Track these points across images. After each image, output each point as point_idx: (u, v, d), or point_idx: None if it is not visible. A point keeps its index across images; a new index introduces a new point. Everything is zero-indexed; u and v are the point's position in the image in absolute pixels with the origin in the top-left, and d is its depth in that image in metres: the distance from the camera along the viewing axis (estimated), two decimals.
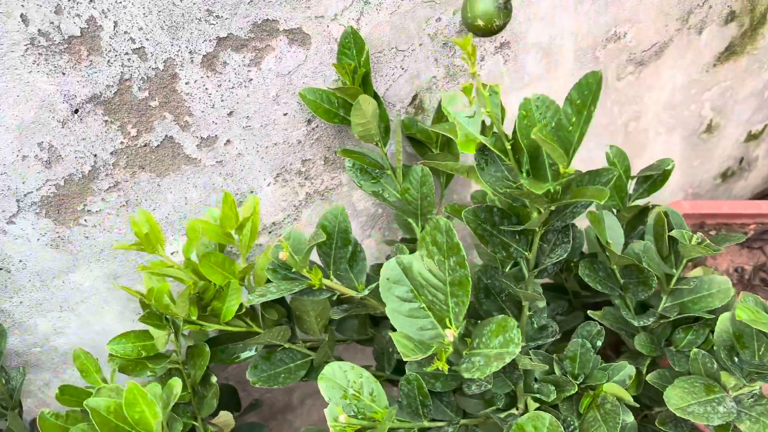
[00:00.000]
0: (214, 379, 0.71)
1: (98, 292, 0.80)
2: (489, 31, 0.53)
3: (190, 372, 0.71)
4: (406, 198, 0.80)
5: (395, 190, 0.82)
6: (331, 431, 0.58)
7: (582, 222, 1.18)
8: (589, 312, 0.77)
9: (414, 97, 0.85)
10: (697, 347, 0.72)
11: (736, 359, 0.66)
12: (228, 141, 0.75)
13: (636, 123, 1.15)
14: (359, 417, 0.61)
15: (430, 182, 0.78)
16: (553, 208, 0.55)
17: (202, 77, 0.69)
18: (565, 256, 0.59)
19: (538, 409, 0.69)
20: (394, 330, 0.81)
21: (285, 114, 0.77)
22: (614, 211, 0.89)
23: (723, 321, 0.68)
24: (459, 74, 0.87)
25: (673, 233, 0.75)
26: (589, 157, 1.15)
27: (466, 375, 0.54)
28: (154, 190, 0.75)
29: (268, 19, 0.69)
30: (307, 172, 0.84)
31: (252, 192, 0.82)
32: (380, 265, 0.87)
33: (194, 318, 0.67)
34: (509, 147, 0.55)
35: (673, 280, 0.76)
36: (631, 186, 0.90)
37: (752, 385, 0.69)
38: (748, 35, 1.14)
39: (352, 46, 0.73)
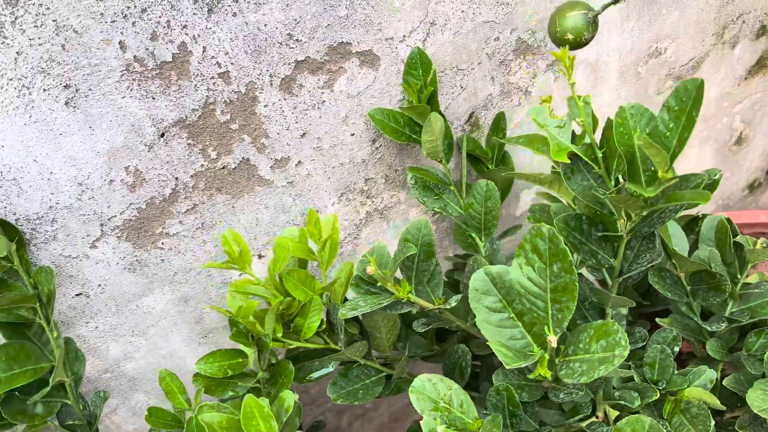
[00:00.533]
0: (295, 397, 0.71)
1: (168, 315, 0.81)
2: (578, 44, 0.55)
3: (270, 390, 0.71)
4: (470, 213, 0.81)
5: (458, 205, 0.84)
6: None
7: None
8: (657, 319, 0.78)
9: (471, 115, 0.87)
10: None
11: None
12: (299, 162, 0.77)
13: None
14: (452, 428, 0.61)
15: (495, 196, 0.79)
16: (645, 213, 0.57)
17: (279, 100, 0.71)
18: (658, 260, 0.60)
19: (618, 417, 0.70)
20: (463, 343, 0.82)
21: (352, 134, 0.79)
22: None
23: None
24: (513, 92, 0.89)
25: (738, 239, 0.76)
26: None
27: (567, 380, 0.55)
28: (229, 211, 0.76)
29: (342, 42, 0.71)
30: (368, 191, 0.86)
31: (318, 212, 0.83)
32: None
33: (279, 335, 0.67)
34: (600, 155, 0.56)
35: (739, 285, 0.78)
36: None
37: None
38: None
39: (418, 66, 0.75)
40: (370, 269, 0.63)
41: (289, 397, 0.60)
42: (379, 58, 0.74)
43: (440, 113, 0.78)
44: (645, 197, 0.54)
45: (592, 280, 0.84)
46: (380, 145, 0.82)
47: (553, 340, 0.54)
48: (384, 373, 0.77)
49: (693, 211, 1.04)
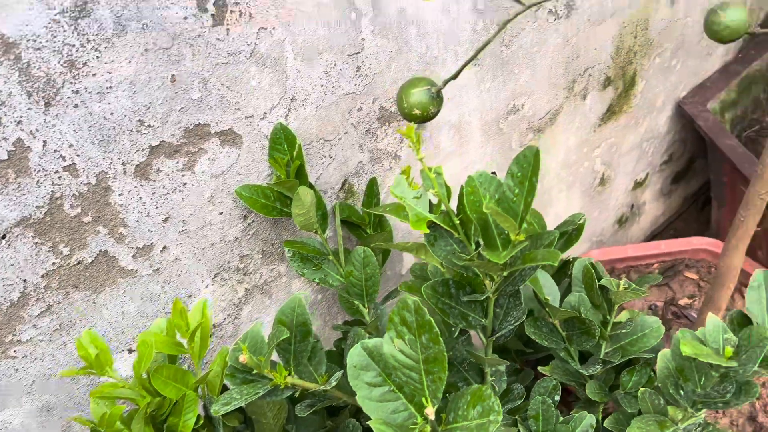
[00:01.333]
0: None
1: (30, 429, 0.73)
2: (425, 118, 0.57)
3: None
4: (351, 281, 0.81)
5: (338, 274, 0.83)
6: None
7: None
8: (539, 368, 0.80)
9: (343, 183, 0.88)
10: (643, 386, 0.77)
11: (681, 392, 0.71)
12: (164, 247, 0.73)
13: (540, 184, 1.24)
14: None
15: (373, 262, 0.79)
16: (505, 274, 0.58)
17: (135, 187, 0.68)
18: (523, 317, 0.61)
19: None
20: (354, 417, 0.80)
21: (221, 213, 0.76)
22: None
23: (663, 358, 0.73)
24: (383, 158, 0.91)
25: (603, 282, 0.80)
26: None
27: None
28: (89, 308, 0.71)
29: (199, 123, 0.69)
30: (245, 268, 0.83)
31: (190, 296, 0.79)
32: (330, 352, 0.86)
33: None
34: (458, 222, 0.58)
35: (609, 327, 0.82)
36: None
37: (698, 414, 0.74)
38: (623, 96, 1.28)
39: (283, 141, 0.75)
40: (243, 358, 0.60)
41: None
42: (241, 136, 0.73)
43: (310, 185, 0.78)
44: (502, 263, 0.56)
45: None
46: (253, 221, 0.80)
47: (430, 412, 0.54)
48: None
49: (566, 254, 1.09)
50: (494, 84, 0.99)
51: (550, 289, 0.83)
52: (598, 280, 0.81)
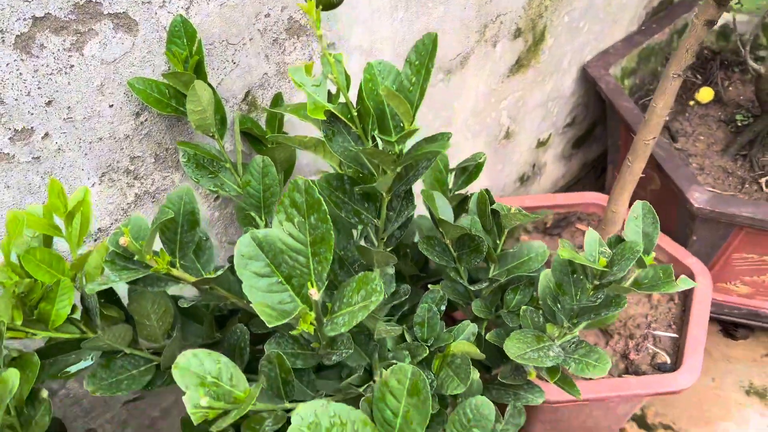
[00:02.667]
0: (45, 393, 0.63)
1: None
2: (331, 4, 0.56)
3: (16, 393, 0.62)
4: (248, 191, 0.79)
5: (235, 183, 0.81)
6: (193, 418, 0.55)
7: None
8: (429, 286, 0.82)
9: (247, 94, 0.86)
10: (525, 305, 0.80)
11: (559, 305, 0.75)
12: (46, 134, 0.69)
13: (448, 128, 1.26)
14: (220, 401, 0.58)
15: (272, 173, 0.78)
16: (399, 169, 0.59)
17: (15, 60, 0.63)
18: (413, 212, 0.62)
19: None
20: (245, 326, 0.79)
21: (111, 106, 0.73)
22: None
23: (545, 276, 0.77)
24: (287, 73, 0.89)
25: (495, 206, 0.83)
26: None
27: (331, 333, 0.55)
28: None
29: (90, 1, 0.65)
30: (136, 171, 0.80)
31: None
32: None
33: (19, 323, 0.59)
34: (356, 113, 0.58)
35: (498, 249, 0.85)
36: (450, 180, 0.98)
37: (573, 332, 0.79)
38: (532, 50, 1.32)
39: (182, 34, 0.72)
40: (124, 240, 0.58)
41: (13, 376, 0.53)
42: (137, 22, 0.70)
43: (209, 85, 0.75)
44: (395, 152, 0.56)
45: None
46: (146, 120, 0.77)
47: (314, 293, 0.54)
48: (155, 362, 0.72)
49: (465, 190, 1.10)
50: (407, 15, 1.00)
51: (445, 210, 0.85)
52: (491, 204, 0.84)
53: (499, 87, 1.31)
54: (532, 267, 0.83)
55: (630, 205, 1.01)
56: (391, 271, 0.72)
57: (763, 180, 1.36)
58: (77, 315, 0.65)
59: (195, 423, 0.55)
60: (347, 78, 0.57)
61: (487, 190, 0.87)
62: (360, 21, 0.94)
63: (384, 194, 0.63)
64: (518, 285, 0.83)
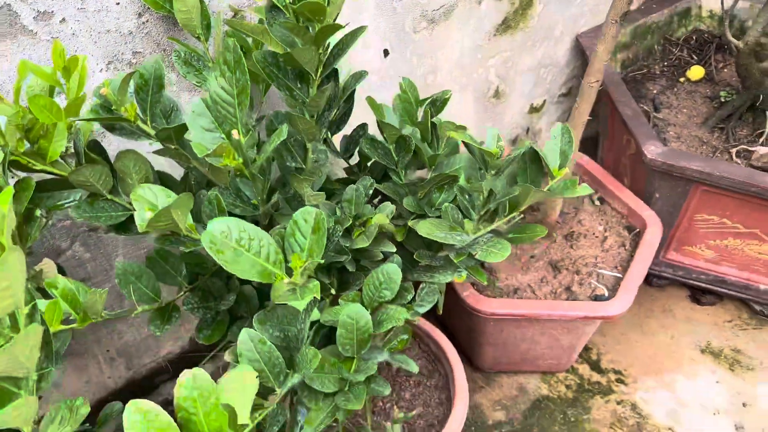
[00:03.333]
0: (38, 212, 0.80)
1: None
2: None
3: (15, 208, 0.80)
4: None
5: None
6: (139, 228, 0.71)
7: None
8: (375, 184, 0.96)
9: (235, 15, 1.02)
10: (448, 203, 0.93)
11: (467, 197, 0.87)
12: (63, 19, 0.87)
13: (433, 77, 1.39)
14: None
15: (243, 65, 0.94)
16: (321, 51, 0.74)
17: None
18: (330, 93, 0.77)
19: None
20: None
21: (117, 3, 0.90)
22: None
23: (460, 174, 0.90)
24: None
25: (434, 120, 0.96)
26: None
27: (255, 167, 0.70)
28: None
29: None
30: (137, 64, 0.97)
31: None
32: None
33: (21, 150, 0.77)
34: (289, 2, 0.72)
35: (436, 160, 0.98)
36: (420, 114, 1.12)
37: (486, 227, 0.91)
38: (520, 13, 1.44)
39: None
40: (104, 90, 0.75)
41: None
42: None
43: None
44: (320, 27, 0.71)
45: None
46: (147, 20, 0.94)
47: (236, 133, 0.69)
48: (130, 212, 0.88)
49: None
50: None
51: (390, 120, 0.99)
52: (431, 118, 0.97)
53: (485, 44, 1.43)
54: (460, 174, 0.95)
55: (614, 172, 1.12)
56: (321, 146, 0.86)
57: (734, 150, 1.43)
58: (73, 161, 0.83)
59: (140, 230, 0.71)
60: None
61: (430, 108, 1.00)
62: None
63: (313, 75, 0.77)
64: (443, 184, 0.96)
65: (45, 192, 0.85)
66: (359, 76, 0.92)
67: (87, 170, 0.80)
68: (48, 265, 0.88)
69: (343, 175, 1.16)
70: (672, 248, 1.48)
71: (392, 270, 0.84)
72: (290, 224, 0.73)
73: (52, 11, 0.85)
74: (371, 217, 0.85)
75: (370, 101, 0.93)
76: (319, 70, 0.77)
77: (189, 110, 0.76)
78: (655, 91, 1.62)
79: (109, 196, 0.86)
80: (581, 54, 1.66)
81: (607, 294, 1.22)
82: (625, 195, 1.37)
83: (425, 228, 0.86)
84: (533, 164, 0.92)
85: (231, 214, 0.80)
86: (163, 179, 0.95)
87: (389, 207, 0.87)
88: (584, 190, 0.87)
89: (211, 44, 0.99)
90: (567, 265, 1.29)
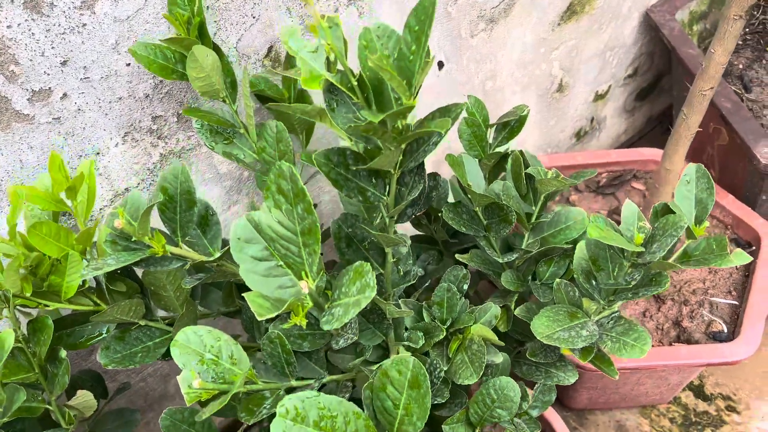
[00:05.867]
0: (63, 353, 0.64)
1: None
2: None
3: (34, 350, 0.63)
4: (264, 158, 0.76)
5: (251, 150, 0.78)
6: (186, 399, 0.54)
7: (448, 173, 1.20)
8: (456, 256, 0.77)
9: (270, 49, 0.82)
10: (560, 278, 0.75)
11: (594, 282, 0.69)
12: (64, 95, 0.68)
13: (492, 82, 1.19)
14: (218, 382, 0.57)
15: (286, 138, 0.74)
16: (404, 146, 0.54)
17: (26, 20, 0.61)
18: (417, 194, 0.58)
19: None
20: None
21: (128, 64, 0.71)
22: (477, 160, 0.90)
23: (580, 249, 0.71)
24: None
25: (530, 170, 0.77)
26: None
27: (325, 327, 0.52)
28: None
29: None
30: (159, 131, 0.78)
31: (98, 153, 0.74)
32: None
33: (28, 294, 0.59)
34: (356, 83, 0.53)
35: (533, 217, 0.79)
36: (490, 135, 0.92)
37: (612, 307, 0.73)
38: None
39: None
40: (118, 222, 0.56)
41: (9, 336, 0.53)
42: None
43: (216, 47, 0.72)
44: (398, 128, 0.51)
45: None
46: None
47: (304, 285, 0.51)
48: (170, 334, 0.71)
49: (505, 147, 1.03)
50: None
51: (475, 176, 0.80)
52: (525, 167, 0.77)
53: (548, 36, 1.21)
54: (569, 236, 0.77)
55: (695, 162, 0.91)
56: (404, 249, 0.68)
57: None
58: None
59: (188, 403, 0.54)
60: (345, 44, 0.52)
61: (521, 152, 0.80)
62: None
63: (392, 171, 0.58)
64: (552, 256, 0.77)
65: (64, 328, 0.68)
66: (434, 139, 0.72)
67: (113, 311, 0.62)
68: (84, 398, 0.71)
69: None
70: None
71: (508, 386, 0.66)
72: (379, 376, 0.55)
73: (50, 88, 0.67)
74: (470, 326, 0.67)
75: (451, 160, 0.74)
76: (399, 164, 0.58)
77: (232, 227, 0.58)
78: (741, 66, 1.39)
79: (142, 323, 0.69)
80: (650, 29, 1.43)
81: (725, 330, 1.04)
82: (728, 202, 1.17)
83: (543, 327, 0.68)
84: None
85: (297, 352, 0.63)
86: (205, 285, 0.77)
87: (492, 309, 0.68)
88: (740, 258, 0.68)
89: (239, 104, 0.80)
90: (671, 293, 1.10)
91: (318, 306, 0.56)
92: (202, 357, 0.57)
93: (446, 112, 0.56)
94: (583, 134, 1.57)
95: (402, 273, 0.68)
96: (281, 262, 0.55)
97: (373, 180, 0.59)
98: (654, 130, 1.81)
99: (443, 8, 0.98)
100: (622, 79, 1.52)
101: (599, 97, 1.50)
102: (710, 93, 0.93)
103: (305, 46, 0.53)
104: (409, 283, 0.67)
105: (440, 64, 1.06)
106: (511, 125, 0.90)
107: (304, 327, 0.52)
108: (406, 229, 1.15)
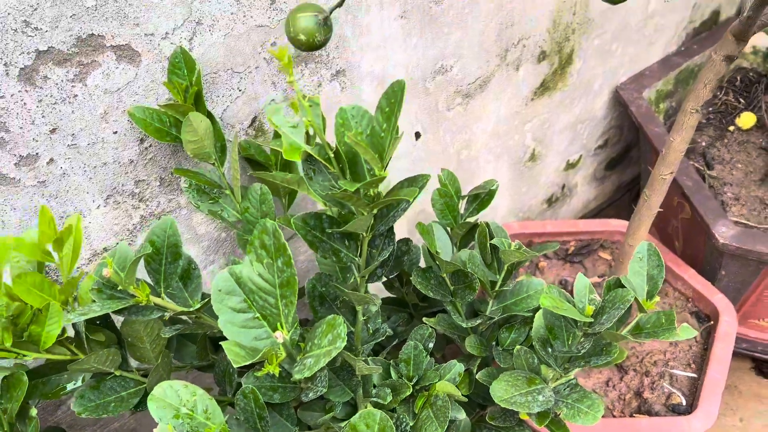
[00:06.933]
0: (33, 411, 0.65)
1: None
2: (311, 45, 0.56)
3: (6, 406, 0.65)
4: (247, 218, 0.80)
5: (235, 210, 0.82)
6: None
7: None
8: (424, 319, 0.81)
9: (254, 119, 0.87)
10: (520, 344, 0.79)
11: (549, 350, 0.73)
12: (51, 160, 0.72)
13: (467, 151, 1.25)
14: None
15: (269, 200, 0.79)
16: (375, 211, 0.59)
17: (19, 91, 0.66)
18: (386, 256, 0.62)
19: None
20: None
21: (115, 132, 0.75)
22: (448, 229, 0.95)
23: (538, 317, 0.75)
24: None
25: (494, 241, 0.82)
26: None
27: (297, 376, 0.55)
28: None
29: (93, 34, 0.67)
30: (141, 194, 0.82)
31: (81, 214, 0.78)
32: None
33: (8, 345, 0.62)
34: (332, 155, 0.58)
35: (497, 285, 0.83)
36: (462, 206, 0.97)
37: (568, 375, 0.76)
38: (558, 73, 1.29)
39: (182, 65, 0.74)
40: (107, 271, 0.60)
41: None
42: (140, 53, 0.72)
43: (209, 114, 0.77)
44: (370, 196, 0.56)
45: None
46: (150, 145, 0.79)
47: (279, 335, 0.54)
48: (143, 385, 0.73)
49: (475, 218, 1.08)
50: (422, 41, 0.99)
51: (444, 243, 0.84)
52: (490, 239, 0.82)
53: (522, 110, 1.28)
54: (530, 305, 0.81)
55: (661, 233, 0.97)
56: (374, 308, 0.72)
57: None
58: (72, 336, 0.68)
59: None
60: (323, 121, 0.57)
61: (487, 223, 0.85)
62: (372, 47, 0.94)
63: (364, 233, 0.62)
64: (514, 323, 0.81)
65: (40, 377, 0.70)
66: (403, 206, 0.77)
67: (90, 359, 0.65)
68: None
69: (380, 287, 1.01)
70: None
71: None
72: (348, 431, 0.58)
73: (37, 153, 0.70)
74: (435, 382, 0.71)
75: (421, 228, 0.79)
76: (371, 227, 0.62)
77: (212, 281, 0.61)
78: (704, 144, 1.48)
79: (117, 373, 0.71)
80: (619, 105, 1.52)
81: (684, 402, 1.07)
82: (690, 275, 1.22)
83: (502, 391, 0.71)
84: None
85: (268, 405, 0.66)
86: (181, 333, 0.80)
87: (456, 367, 0.72)
88: (686, 332, 0.73)
89: (227, 168, 0.84)
90: (634, 363, 1.14)
91: (291, 357, 0.60)
92: (177, 411, 0.59)
93: (414, 182, 0.61)
94: (554, 200, 1.64)
95: (371, 331, 0.72)
96: (258, 314, 0.59)
97: (346, 242, 0.63)
98: (623, 197, 1.88)
99: (422, 84, 1.05)
100: (593, 150, 1.60)
101: (570, 165, 1.57)
102: (670, 177, 0.99)
103: (287, 122, 0.58)
104: (378, 341, 0.71)
105: (417, 135, 1.12)
106: (482, 197, 0.95)
107: (277, 375, 0.55)
108: (379, 290, 1.19)
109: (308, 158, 0.60)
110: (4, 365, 0.66)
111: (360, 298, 0.64)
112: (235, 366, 0.53)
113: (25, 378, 0.64)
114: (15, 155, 0.69)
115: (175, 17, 0.72)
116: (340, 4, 0.55)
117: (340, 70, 0.92)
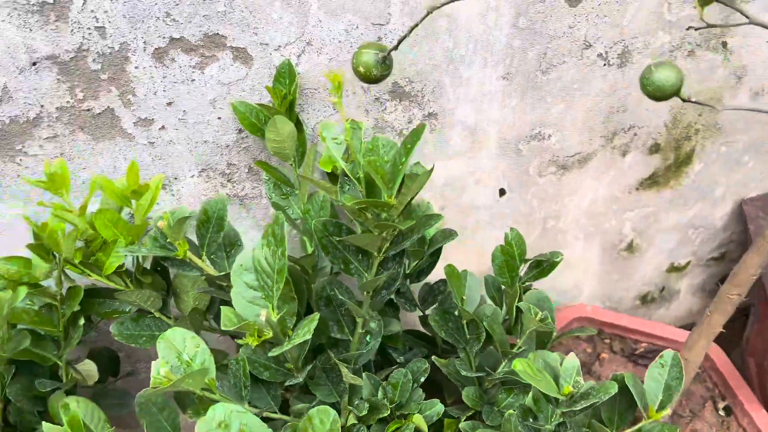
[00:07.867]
0: (81, 321, 0.79)
1: (14, 229, 0.89)
2: (369, 78, 0.64)
3: (65, 312, 0.79)
4: (306, 218, 0.90)
5: (299, 209, 0.92)
6: (151, 381, 0.66)
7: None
8: (433, 357, 0.84)
9: None
10: (514, 410, 0.79)
11: (531, 421, 0.73)
12: (163, 127, 0.86)
13: (555, 221, 1.25)
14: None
15: (327, 207, 0.87)
16: (385, 234, 0.65)
17: (150, 66, 0.81)
18: (392, 278, 0.67)
19: (358, 426, 0.76)
20: None
21: (219, 118, 0.88)
22: (502, 287, 0.97)
23: (534, 388, 0.75)
24: (387, 129, 0.98)
25: (520, 305, 0.83)
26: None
27: (271, 353, 0.62)
28: (89, 151, 0.85)
29: (218, 34, 0.81)
30: (230, 175, 0.95)
31: (176, 178, 0.92)
32: None
33: (77, 261, 0.75)
34: (362, 175, 0.65)
35: (515, 348, 0.84)
36: (523, 270, 0.99)
37: None
38: (672, 170, 1.25)
39: (286, 76, 0.85)
40: (161, 223, 0.72)
41: (8, 296, 0.68)
42: (253, 58, 0.84)
43: (298, 121, 0.88)
44: (382, 218, 0.62)
45: None
46: (247, 136, 0.91)
47: (263, 314, 0.62)
48: None
49: (574, 302, 1.09)
50: (521, 104, 1.03)
51: (473, 292, 0.87)
52: (519, 300, 0.84)
53: (624, 196, 1.26)
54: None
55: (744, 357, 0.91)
56: (374, 325, 0.76)
57: None
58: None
59: (151, 385, 0.66)
60: (362, 144, 0.65)
61: (526, 287, 0.87)
62: (468, 99, 1.00)
63: (376, 253, 0.68)
64: (514, 387, 0.81)
65: (98, 297, 0.83)
66: (448, 235, 0.82)
67: (134, 294, 0.77)
68: (88, 367, 0.86)
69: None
70: None
71: None
72: (304, 420, 0.64)
73: (153, 119, 0.85)
74: (413, 413, 0.74)
75: (449, 271, 0.83)
76: (384, 249, 0.68)
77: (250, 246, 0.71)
78: None
79: (156, 314, 0.83)
80: (742, 219, 1.42)
81: None
82: (759, 416, 1.12)
83: None
84: (624, 395, 0.75)
85: (259, 379, 0.73)
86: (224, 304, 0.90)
87: (437, 407, 0.74)
88: None
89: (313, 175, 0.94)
90: None
91: (278, 341, 0.67)
92: (179, 355, 0.69)
93: (429, 219, 0.66)
94: (650, 300, 1.56)
95: (367, 344, 0.77)
96: (264, 296, 0.67)
97: (360, 256, 0.70)
98: (731, 318, 1.73)
99: (515, 145, 1.09)
100: (705, 259, 1.51)
101: (675, 269, 1.50)
102: (737, 298, 0.94)
103: (334, 137, 0.66)
104: (363, 353, 0.76)
105: (501, 192, 1.15)
106: (543, 266, 0.96)
107: (253, 345, 0.63)
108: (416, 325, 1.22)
109: (344, 172, 0.67)
110: (73, 278, 0.80)
111: (360, 312, 0.70)
112: (222, 329, 0.62)
113: (81, 289, 0.78)
114: (136, 116, 0.84)
115: (289, 34, 0.84)
116: (395, 48, 0.63)
117: (432, 112, 0.99)
